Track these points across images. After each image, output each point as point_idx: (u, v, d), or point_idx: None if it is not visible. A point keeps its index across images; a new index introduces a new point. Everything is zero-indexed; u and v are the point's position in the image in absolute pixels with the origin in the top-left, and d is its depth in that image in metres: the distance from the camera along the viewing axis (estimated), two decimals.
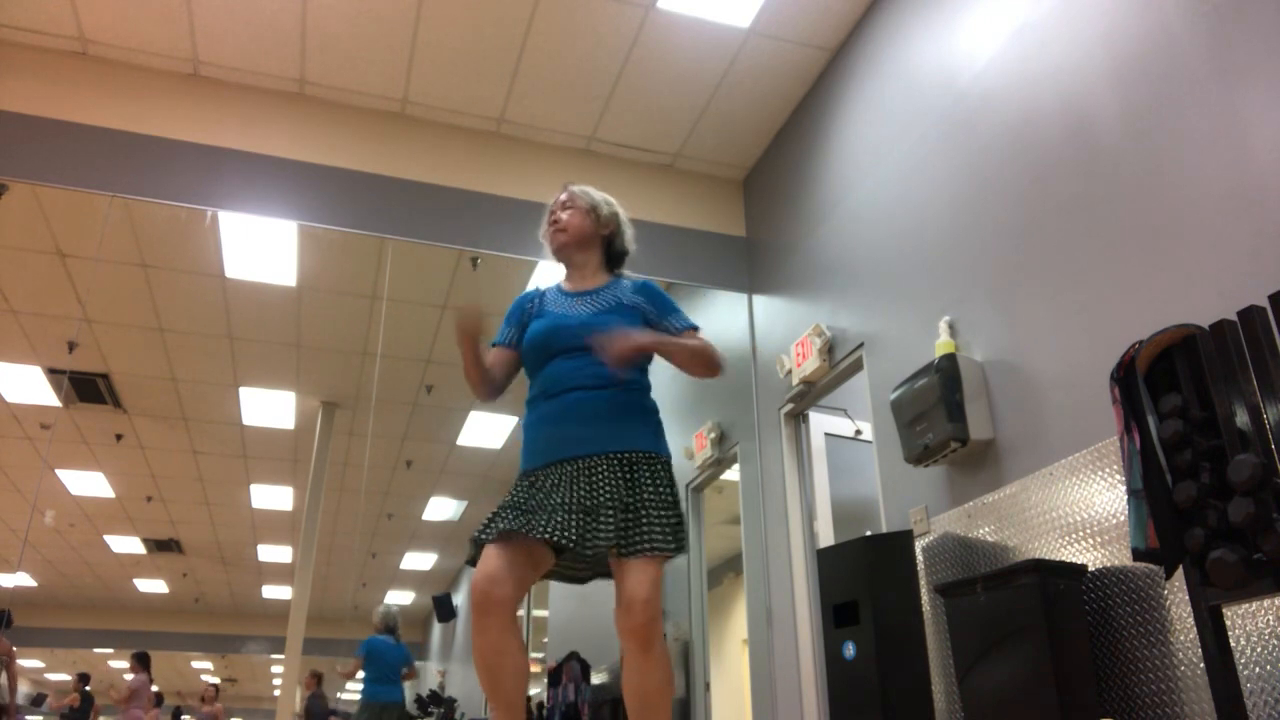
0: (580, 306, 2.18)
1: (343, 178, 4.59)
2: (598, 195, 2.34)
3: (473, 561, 1.94)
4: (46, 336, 4.98)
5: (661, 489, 2.00)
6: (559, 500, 1.92)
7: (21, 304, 4.86)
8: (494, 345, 2.25)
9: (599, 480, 1.96)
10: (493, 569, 1.84)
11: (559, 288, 2.29)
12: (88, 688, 6.96)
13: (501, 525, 1.87)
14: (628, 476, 1.98)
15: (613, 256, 2.34)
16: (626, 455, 2.00)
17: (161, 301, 5.02)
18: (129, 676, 6.41)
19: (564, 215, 2.30)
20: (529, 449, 2.08)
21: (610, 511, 1.90)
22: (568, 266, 2.32)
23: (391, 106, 4.82)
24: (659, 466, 2.04)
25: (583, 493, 1.94)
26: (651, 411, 2.15)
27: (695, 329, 2.19)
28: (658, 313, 2.20)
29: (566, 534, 1.84)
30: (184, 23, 4.24)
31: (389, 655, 5.81)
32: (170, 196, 4.25)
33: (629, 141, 5.14)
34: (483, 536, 1.90)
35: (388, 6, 4.20)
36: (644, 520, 1.92)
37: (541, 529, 1.84)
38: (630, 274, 2.36)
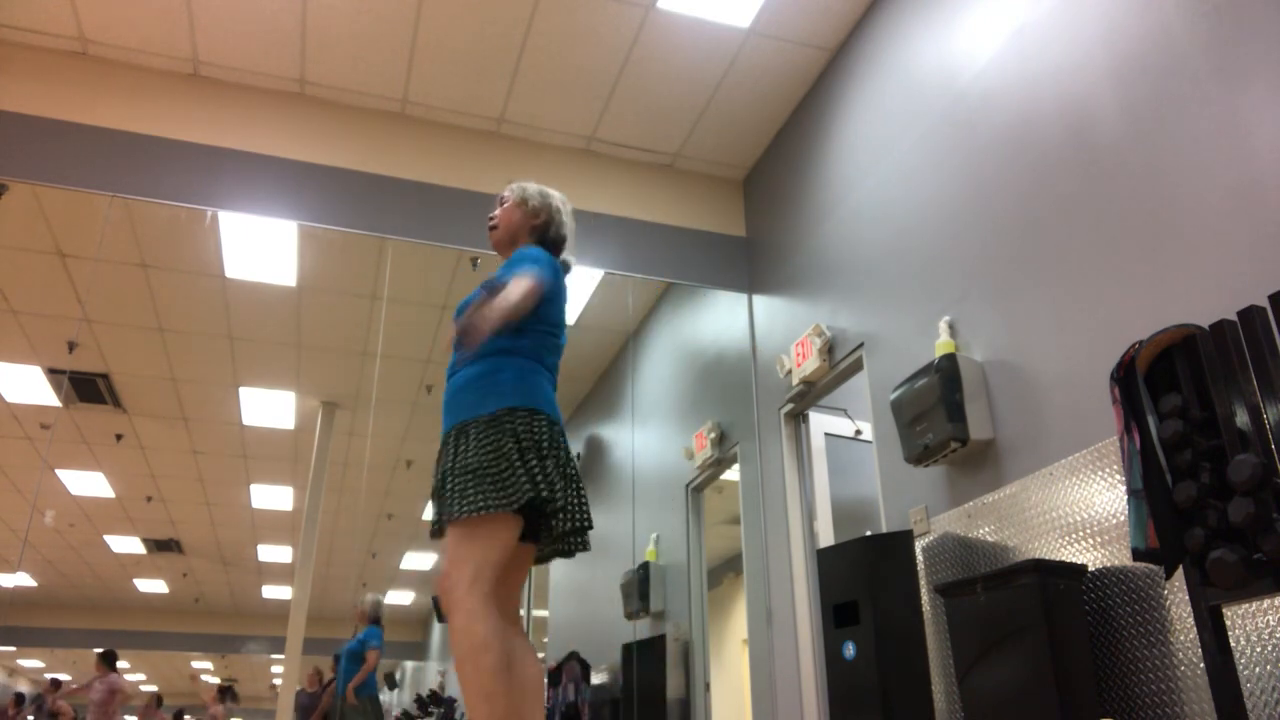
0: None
1: (343, 178, 4.59)
2: (531, 189, 2.41)
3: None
4: (46, 336, 4.98)
5: (463, 455, 1.96)
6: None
7: (21, 304, 4.86)
8: None
9: (439, 464, 2.08)
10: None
11: None
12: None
13: None
14: (448, 453, 2.03)
15: (548, 245, 2.40)
16: (449, 434, 2.06)
17: (161, 301, 5.01)
18: (96, 677, 6.39)
19: (498, 211, 2.40)
20: None
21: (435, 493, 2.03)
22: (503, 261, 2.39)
23: (391, 106, 4.82)
24: (469, 432, 1.99)
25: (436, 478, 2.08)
26: (480, 377, 2.06)
27: (514, 270, 2.10)
28: (499, 275, 2.21)
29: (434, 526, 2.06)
30: (184, 23, 4.24)
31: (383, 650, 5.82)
32: (170, 196, 4.25)
33: (629, 141, 5.14)
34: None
35: (388, 6, 4.20)
36: (445, 491, 1.97)
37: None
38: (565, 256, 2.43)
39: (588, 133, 5.05)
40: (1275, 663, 1.97)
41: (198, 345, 5.33)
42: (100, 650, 6.42)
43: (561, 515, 2.03)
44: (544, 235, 2.39)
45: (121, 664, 6.69)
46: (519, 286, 2.00)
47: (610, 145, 5.17)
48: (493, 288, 2.12)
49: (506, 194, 2.41)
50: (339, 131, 4.69)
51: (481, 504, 1.89)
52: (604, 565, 5.88)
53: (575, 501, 2.06)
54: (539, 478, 1.95)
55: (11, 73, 4.21)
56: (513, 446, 1.96)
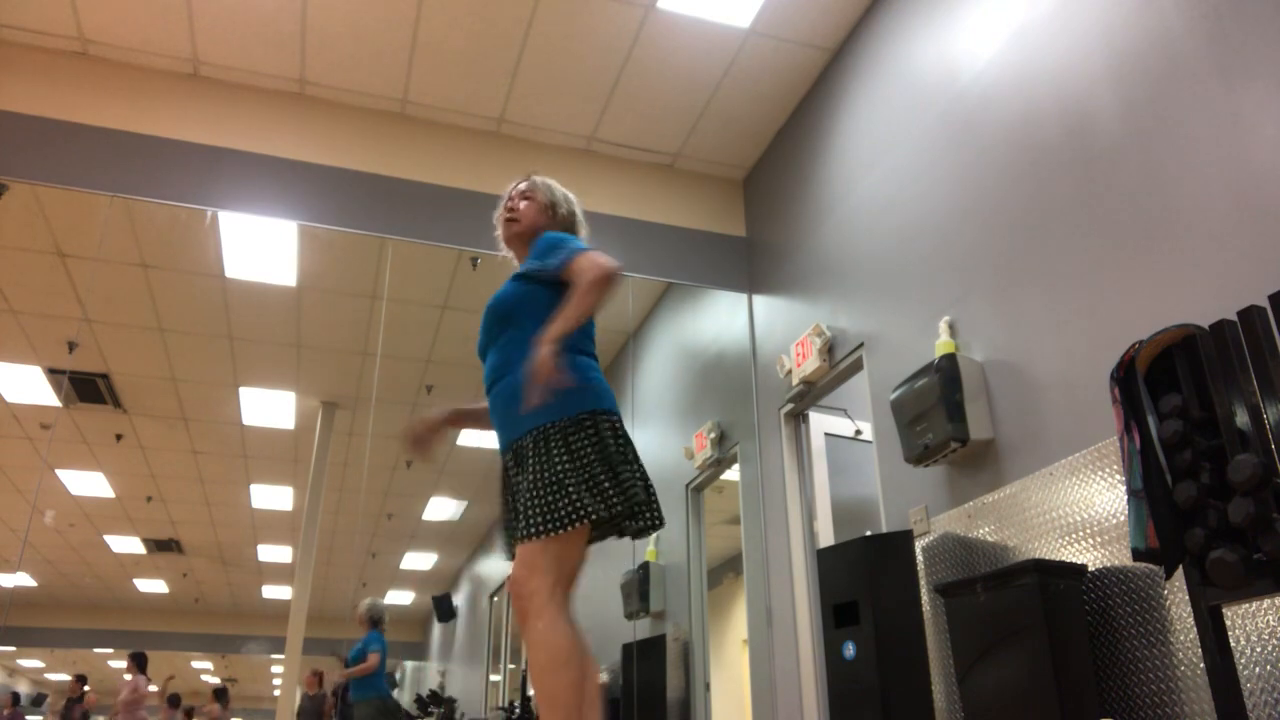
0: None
1: (343, 178, 4.59)
2: (558, 192, 2.30)
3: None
4: (46, 336, 4.98)
5: (548, 465, 1.83)
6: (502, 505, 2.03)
7: (21, 304, 4.86)
8: None
9: (508, 476, 1.99)
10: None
11: None
12: (86, 688, 6.96)
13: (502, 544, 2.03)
14: (518, 465, 1.93)
15: None
16: (517, 443, 1.93)
17: (161, 301, 5.01)
18: (127, 677, 6.42)
19: (521, 205, 2.25)
20: None
21: (512, 510, 1.96)
22: (515, 256, 2.29)
23: (391, 106, 4.82)
24: (551, 437, 1.86)
25: (507, 493, 2.00)
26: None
27: (572, 257, 1.97)
28: (538, 266, 2.05)
29: (508, 542, 1.95)
30: (184, 23, 4.24)
31: (386, 651, 5.83)
32: (170, 196, 4.25)
33: (629, 141, 5.14)
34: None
35: (388, 6, 4.20)
36: (525, 506, 1.83)
37: (506, 547, 1.97)
38: None
39: (588, 133, 5.05)
40: (1275, 663, 1.97)
41: (198, 345, 5.32)
42: (132, 652, 6.44)
43: (645, 515, 1.97)
44: None
45: (120, 663, 6.69)
46: (599, 266, 1.87)
47: (610, 145, 5.16)
48: (539, 276, 2.00)
49: (525, 186, 2.28)
50: (339, 131, 4.69)
51: (568, 520, 1.78)
52: (604, 565, 5.88)
53: (651, 501, 1.98)
54: (629, 486, 1.87)
55: (11, 73, 4.21)
56: (596, 455, 1.85)
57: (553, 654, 1.74)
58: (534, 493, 1.81)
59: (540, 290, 2.04)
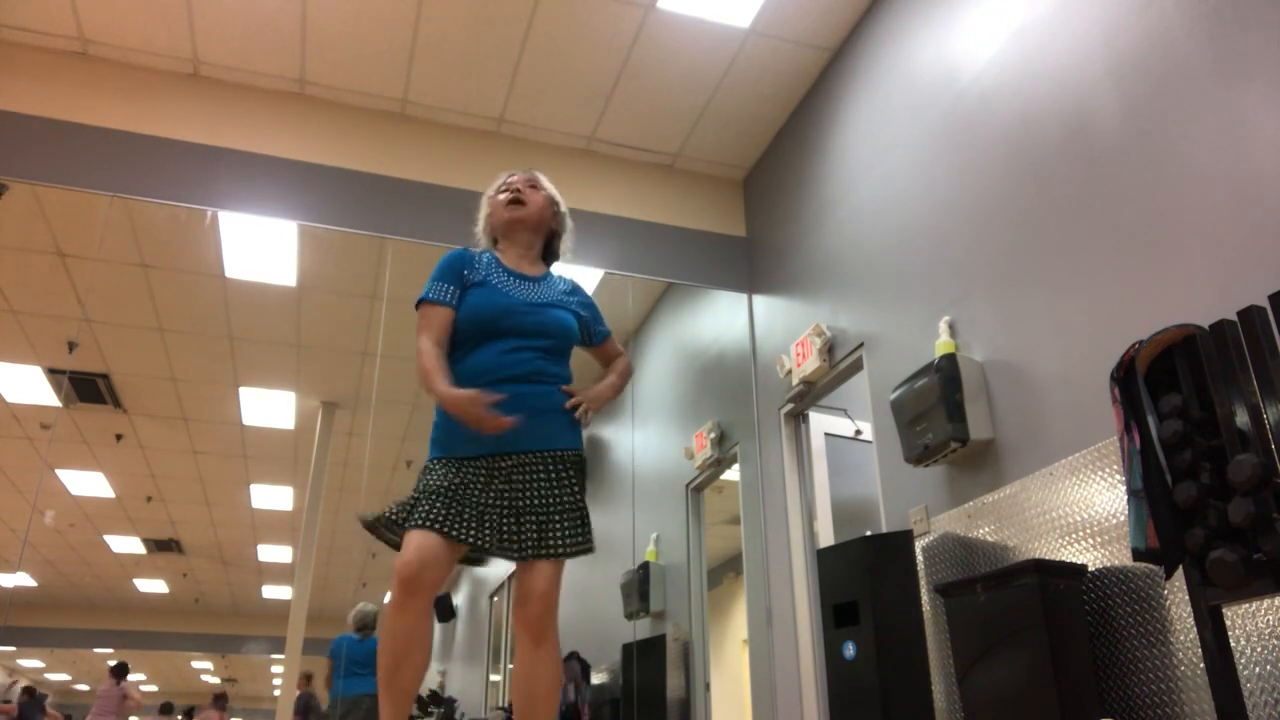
0: (527, 292, 2.17)
1: (343, 178, 4.59)
2: (556, 192, 2.41)
3: (375, 532, 1.99)
4: (46, 336, 4.98)
5: (576, 491, 2.08)
6: (489, 499, 1.97)
7: (21, 304, 4.86)
8: (437, 303, 2.16)
9: (529, 480, 2.01)
10: (429, 552, 1.85)
11: (496, 259, 2.24)
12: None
13: (440, 526, 1.89)
14: (551, 477, 2.04)
15: (548, 254, 2.40)
16: (553, 454, 2.06)
17: (161, 301, 5.01)
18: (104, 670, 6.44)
19: (528, 191, 2.30)
20: (459, 433, 2.01)
21: (533, 516, 1.99)
22: (509, 241, 2.29)
23: (391, 106, 4.82)
24: (579, 465, 2.13)
25: (516, 492, 2.00)
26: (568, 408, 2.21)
27: (611, 336, 2.39)
28: (590, 320, 2.32)
29: (497, 540, 1.95)
30: (184, 23, 4.24)
31: (353, 650, 5.83)
32: (170, 196, 4.25)
33: (629, 141, 5.14)
34: (410, 524, 1.90)
35: (388, 6, 4.20)
36: (557, 523, 2.01)
37: (472, 535, 1.91)
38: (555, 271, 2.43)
39: (588, 133, 5.05)
40: (1275, 663, 1.97)
41: (198, 345, 5.32)
42: (112, 663, 6.45)
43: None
44: (549, 245, 2.40)
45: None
46: (630, 371, 2.37)
47: (610, 145, 5.16)
48: (585, 333, 2.30)
49: (528, 176, 2.35)
50: (339, 131, 4.69)
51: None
52: (604, 565, 5.88)
53: None
54: None
55: (11, 73, 4.21)
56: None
57: (560, 663, 1.99)
58: (583, 514, 2.06)
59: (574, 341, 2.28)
